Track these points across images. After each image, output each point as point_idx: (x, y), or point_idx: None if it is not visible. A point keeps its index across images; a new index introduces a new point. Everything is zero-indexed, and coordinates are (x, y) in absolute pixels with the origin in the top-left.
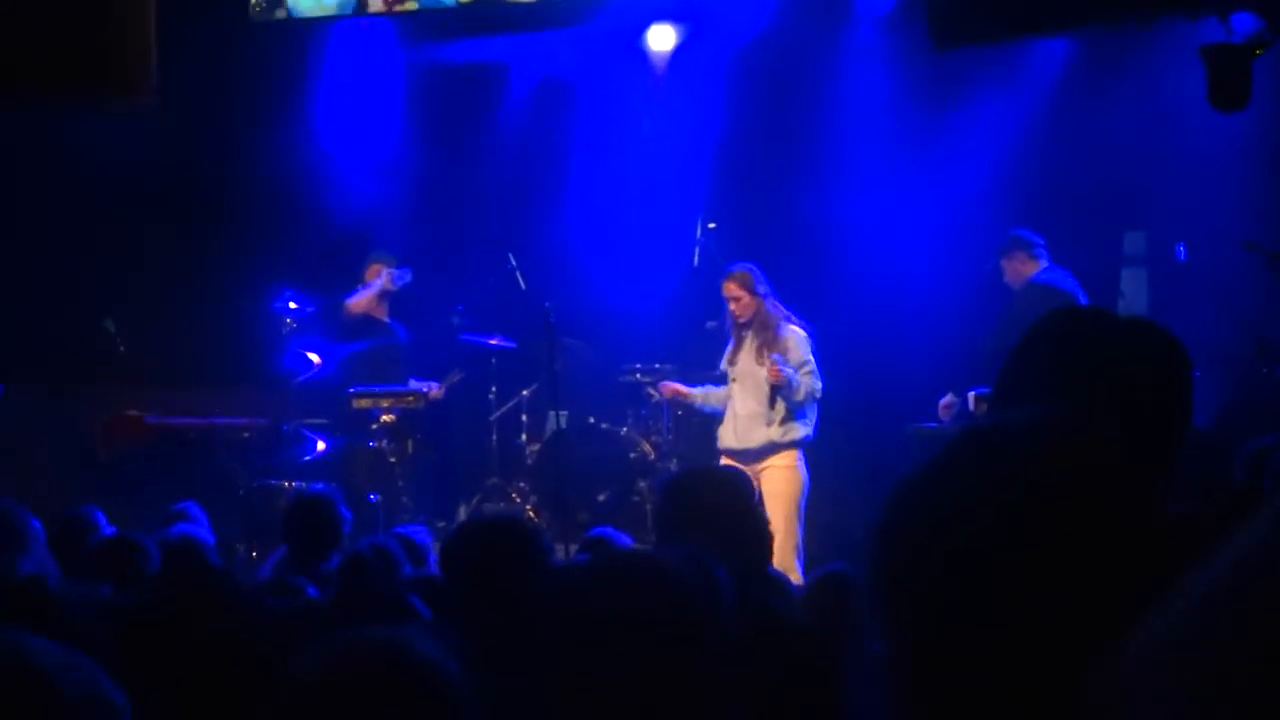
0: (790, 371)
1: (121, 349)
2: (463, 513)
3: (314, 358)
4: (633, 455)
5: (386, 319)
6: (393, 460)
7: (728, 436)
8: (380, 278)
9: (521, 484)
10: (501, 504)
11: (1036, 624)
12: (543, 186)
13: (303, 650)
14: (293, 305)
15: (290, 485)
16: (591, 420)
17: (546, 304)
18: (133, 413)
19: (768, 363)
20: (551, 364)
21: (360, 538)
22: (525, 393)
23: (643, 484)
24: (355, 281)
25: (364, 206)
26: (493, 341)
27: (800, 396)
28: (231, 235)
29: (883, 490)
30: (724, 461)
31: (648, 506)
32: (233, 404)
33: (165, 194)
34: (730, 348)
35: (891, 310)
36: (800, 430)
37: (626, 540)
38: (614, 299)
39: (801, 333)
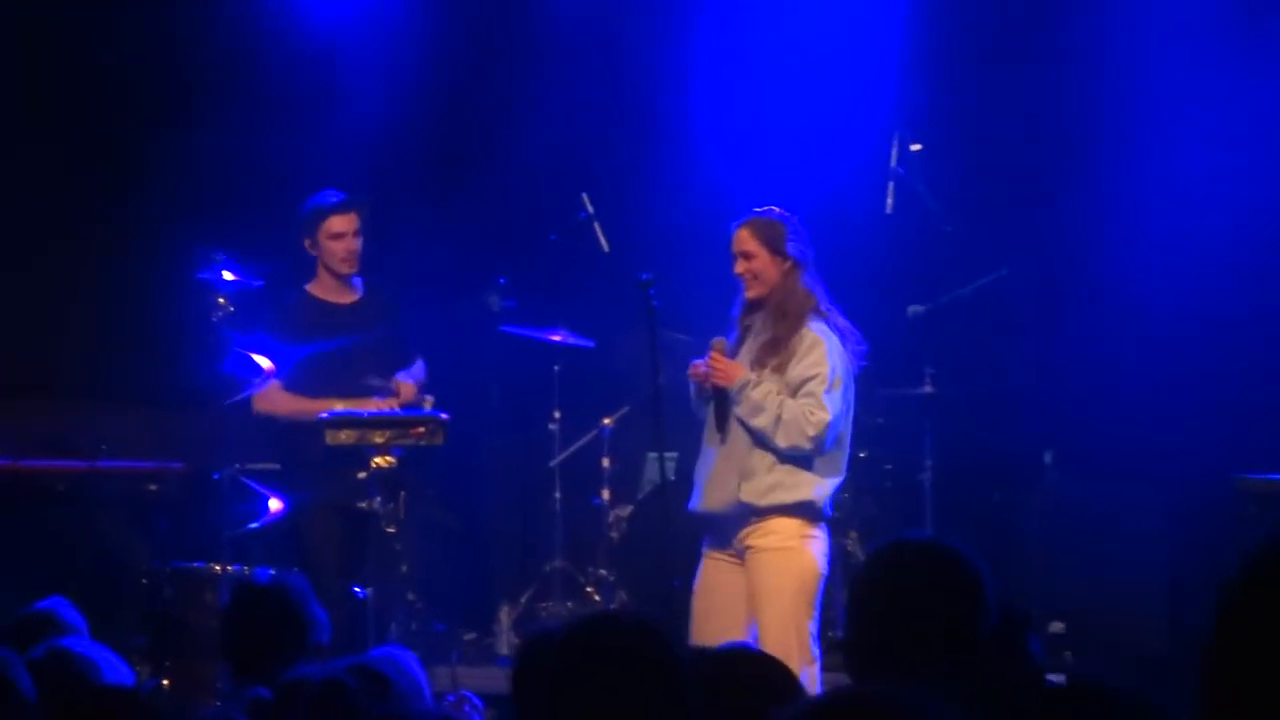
0: (748, 377)
1: None
2: (505, 618)
3: (262, 361)
4: None
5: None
6: (391, 530)
7: (695, 490)
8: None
9: (602, 571)
10: (569, 603)
11: None
12: (638, 90)
13: None
14: (228, 275)
15: (225, 570)
16: None
17: (644, 276)
18: None
19: (766, 373)
20: (653, 375)
21: (340, 656)
22: (608, 421)
23: None
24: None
25: (349, 120)
26: (555, 338)
27: (767, 422)
28: (132, 161)
29: (1205, 569)
30: (709, 554)
31: None
32: (130, 436)
33: (23, 85)
34: (733, 342)
35: (1201, 306)
36: (802, 489)
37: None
38: None
39: (831, 339)
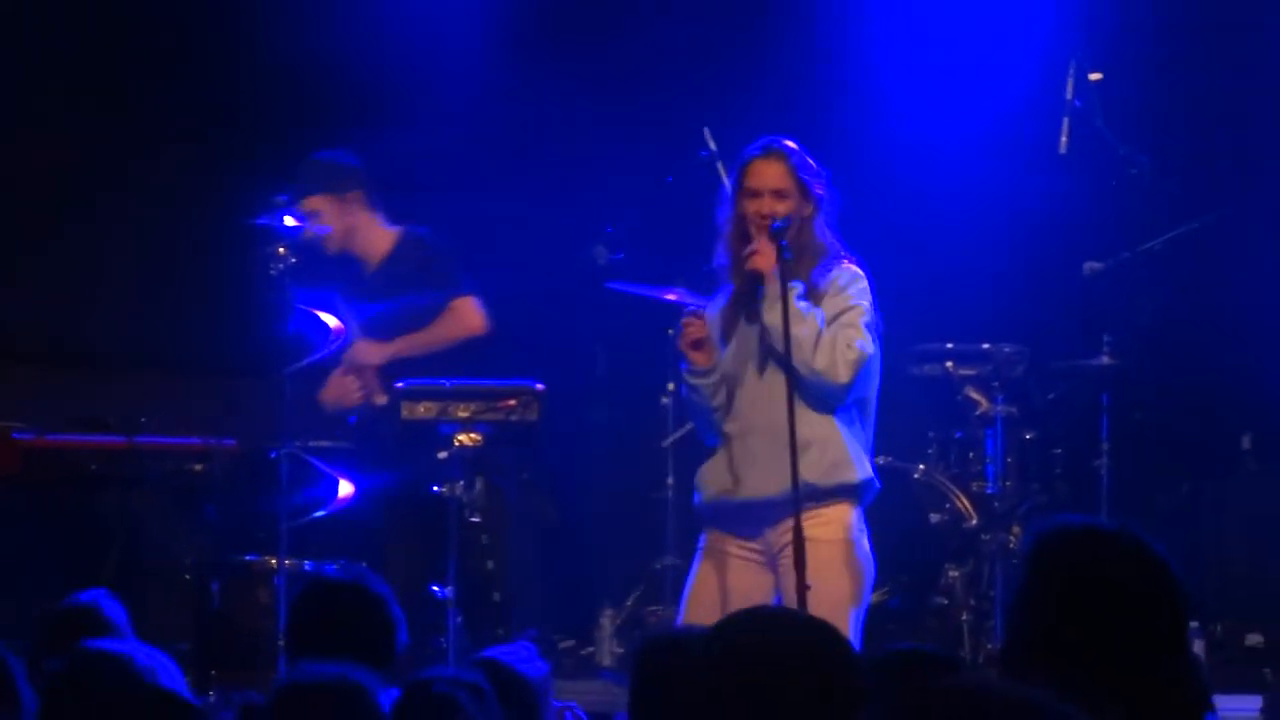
0: (804, 305)
1: None
2: (608, 624)
3: (329, 320)
4: (936, 517)
5: None
6: (476, 519)
7: (716, 479)
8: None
9: None
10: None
11: None
12: (769, 5)
13: None
14: (291, 221)
15: (282, 564)
16: None
17: (775, 226)
18: None
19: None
20: (785, 342)
21: (422, 663)
22: None
23: (954, 573)
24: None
25: (430, 41)
26: (670, 297)
27: (810, 332)
28: (176, 92)
29: None
30: (711, 539)
31: (965, 617)
32: (176, 408)
33: (51, 21)
34: (723, 305)
35: None
36: (863, 467)
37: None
38: (905, 218)
39: (858, 272)
